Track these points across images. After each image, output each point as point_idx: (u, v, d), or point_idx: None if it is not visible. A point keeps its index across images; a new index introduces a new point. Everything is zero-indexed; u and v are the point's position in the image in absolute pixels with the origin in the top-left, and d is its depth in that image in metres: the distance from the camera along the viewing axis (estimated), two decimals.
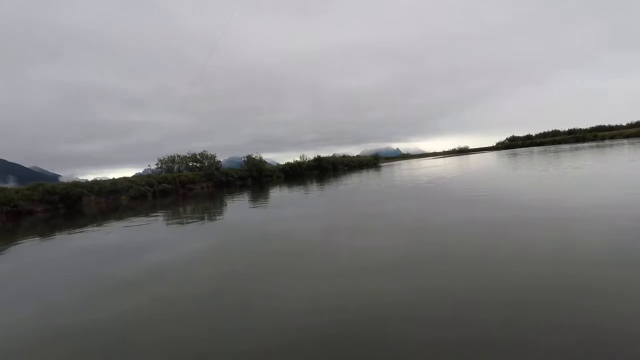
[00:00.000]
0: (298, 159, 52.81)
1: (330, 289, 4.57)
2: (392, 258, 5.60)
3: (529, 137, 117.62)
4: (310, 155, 57.45)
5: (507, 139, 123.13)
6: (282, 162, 53.44)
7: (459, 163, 39.27)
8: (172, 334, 3.73)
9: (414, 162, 67.31)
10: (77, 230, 13.13)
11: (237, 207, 16.80)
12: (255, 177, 41.27)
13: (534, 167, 21.19)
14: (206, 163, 39.20)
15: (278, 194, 22.54)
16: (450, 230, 7.19)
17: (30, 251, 9.92)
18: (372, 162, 75.19)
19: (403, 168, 44.64)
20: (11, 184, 26.09)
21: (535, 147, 79.05)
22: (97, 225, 14.01)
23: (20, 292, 5.91)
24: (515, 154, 50.50)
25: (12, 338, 4.04)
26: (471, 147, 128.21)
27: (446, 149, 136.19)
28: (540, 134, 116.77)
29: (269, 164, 51.49)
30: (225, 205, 18.28)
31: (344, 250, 6.45)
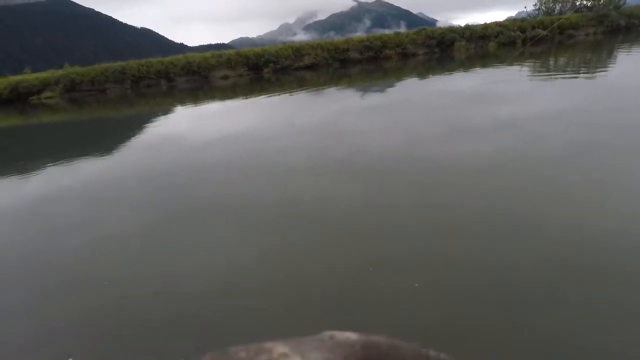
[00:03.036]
0: None
1: None
2: None
3: None
4: None
5: None
6: None
7: None
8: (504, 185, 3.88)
9: None
10: (445, 73, 14.56)
11: (631, 62, 12.74)
12: None
13: None
14: (602, 0, 30.12)
15: None
16: None
17: (408, 88, 12.17)
18: None
19: None
20: (402, 29, 31.00)
21: None
22: (464, 70, 14.87)
23: (395, 121, 7.63)
24: None
25: (380, 148, 5.50)
26: None
27: None
28: None
29: None
30: (613, 58, 14.26)
31: None
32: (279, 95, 13.32)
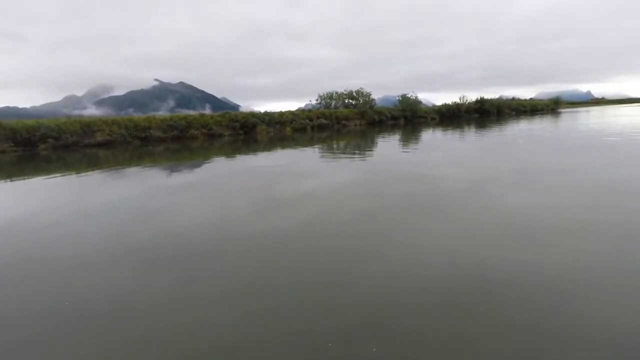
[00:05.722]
0: (457, 100, 48.72)
1: (458, 245, 4.30)
2: (547, 221, 4.84)
3: None
4: (472, 96, 52.03)
5: None
6: (438, 103, 50.26)
7: None
8: (306, 251, 4.22)
9: (610, 110, 53.31)
10: (251, 153, 15.58)
11: (386, 146, 16.88)
12: (408, 118, 40.15)
13: None
14: (361, 101, 39.85)
15: (430, 136, 21.58)
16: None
17: (217, 166, 12.34)
18: (549, 107, 63.25)
19: (591, 116, 36.33)
20: (207, 111, 32.15)
21: None
22: (266, 151, 16.28)
23: (206, 199, 7.50)
24: None
25: (194, 232, 5.24)
26: None
27: None
28: None
29: (424, 104, 48.98)
30: (375, 143, 18.59)
31: (488, 204, 5.89)
32: (63, 175, 11.15)
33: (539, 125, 25.86)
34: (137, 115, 28.42)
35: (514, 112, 51.95)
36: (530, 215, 5.24)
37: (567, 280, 3.32)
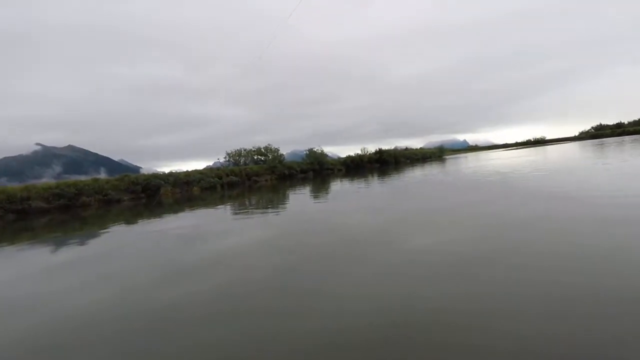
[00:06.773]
0: (359, 151, 52.74)
1: (379, 289, 4.42)
2: (451, 256, 5.29)
3: (619, 125, 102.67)
4: (372, 147, 56.96)
5: (592, 127, 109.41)
6: (343, 155, 53.79)
7: (533, 155, 35.89)
8: (226, 318, 3.88)
9: (482, 155, 63.25)
10: (156, 218, 14.36)
11: (298, 199, 17.14)
12: (317, 170, 41.85)
13: (629, 159, 18.65)
14: (270, 156, 40.56)
15: (338, 187, 22.60)
16: (519, 227, 6.60)
17: (114, 235, 11.04)
18: (436, 154, 72.44)
19: (469, 160, 42.23)
20: (102, 175, 29.36)
21: (628, 137, 69.00)
22: (173, 214, 15.20)
23: (104, 273, 6.58)
24: (602, 144, 44.80)
25: (89, 315, 4.49)
26: (549, 137, 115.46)
27: (519, 140, 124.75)
28: (635, 121, 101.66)
29: (330, 157, 51.86)
30: (287, 197, 18.75)
31: (400, 246, 6.24)
32: None
33: (431, 171, 29.06)
34: (12, 185, 24.59)
35: (408, 161, 58.04)
36: (438, 252, 5.64)
37: (487, 311, 3.55)
